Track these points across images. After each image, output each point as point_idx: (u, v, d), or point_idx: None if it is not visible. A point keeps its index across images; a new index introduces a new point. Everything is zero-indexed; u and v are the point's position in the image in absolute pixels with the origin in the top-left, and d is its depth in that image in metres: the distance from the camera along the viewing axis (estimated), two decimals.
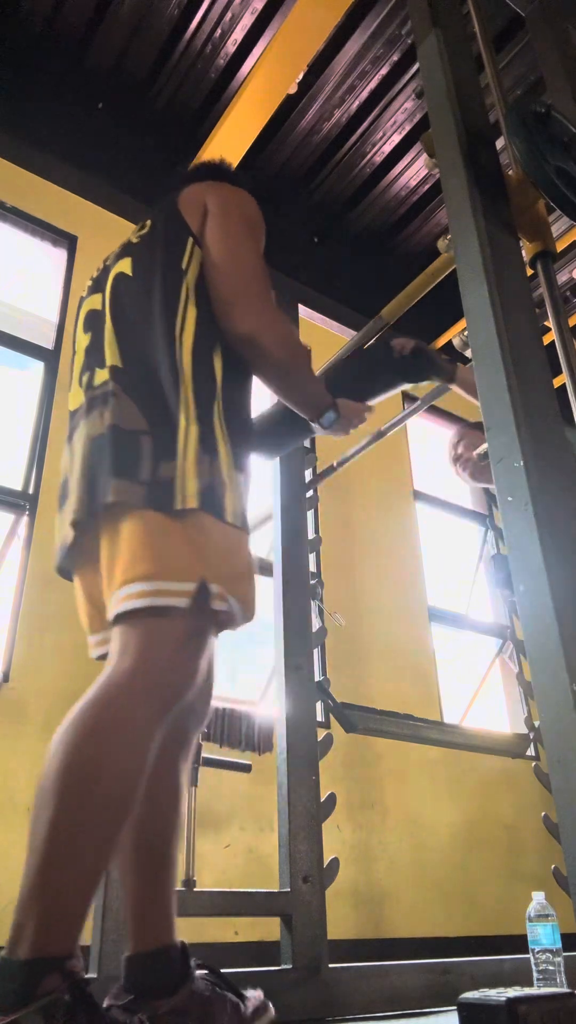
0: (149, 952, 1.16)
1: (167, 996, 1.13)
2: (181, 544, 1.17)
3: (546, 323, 1.36)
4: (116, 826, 1.04)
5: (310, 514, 2.51)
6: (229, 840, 2.98)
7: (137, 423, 1.23)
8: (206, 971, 1.21)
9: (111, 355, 1.31)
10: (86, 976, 0.98)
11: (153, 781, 1.17)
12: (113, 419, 1.24)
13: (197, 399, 1.25)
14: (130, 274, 1.37)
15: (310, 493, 2.51)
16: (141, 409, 1.24)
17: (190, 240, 1.35)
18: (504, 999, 1.20)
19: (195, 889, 1.75)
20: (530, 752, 3.02)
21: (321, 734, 2.10)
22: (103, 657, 1.33)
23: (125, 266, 1.39)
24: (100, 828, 1.01)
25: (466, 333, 1.27)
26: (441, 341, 3.91)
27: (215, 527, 1.21)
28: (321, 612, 2.39)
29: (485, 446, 1.15)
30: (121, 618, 1.14)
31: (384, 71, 3.78)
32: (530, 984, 1.78)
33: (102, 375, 1.30)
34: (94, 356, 1.35)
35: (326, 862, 1.94)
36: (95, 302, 1.41)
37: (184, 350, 1.27)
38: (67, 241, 3.73)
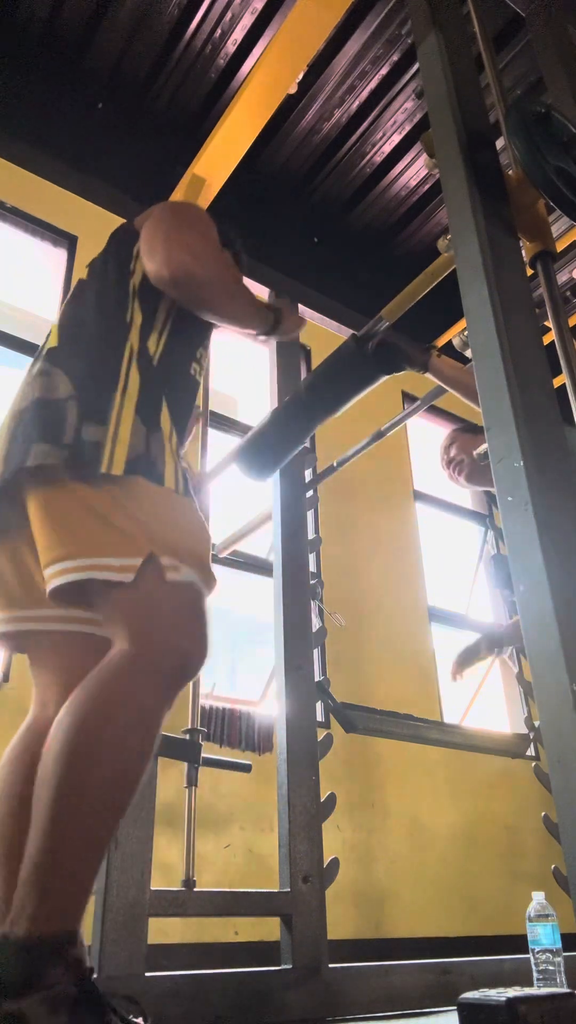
0: (41, 936, 1.03)
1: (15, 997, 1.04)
2: (116, 514, 1.15)
3: (546, 323, 1.36)
4: (120, 805, 1.04)
5: (310, 514, 2.51)
6: (229, 840, 2.98)
7: (64, 391, 1.24)
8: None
9: (51, 341, 1.37)
10: (91, 967, 0.98)
11: (104, 722, 1.14)
12: (40, 392, 1.25)
13: (142, 376, 1.29)
14: (85, 278, 1.49)
15: (310, 493, 2.51)
16: (71, 379, 1.26)
17: (137, 244, 1.45)
18: (504, 999, 1.20)
19: (195, 889, 1.75)
20: (530, 752, 3.02)
21: (321, 734, 2.10)
22: (12, 636, 1.32)
23: (83, 273, 1.51)
24: (103, 807, 1.01)
25: (466, 333, 1.27)
26: (441, 341, 3.90)
27: (154, 493, 1.19)
28: (321, 612, 2.39)
29: (484, 446, 1.15)
30: (96, 595, 1.13)
31: (384, 71, 3.78)
32: (530, 984, 1.78)
33: (39, 362, 1.35)
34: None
35: (326, 862, 1.94)
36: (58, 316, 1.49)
37: (133, 336, 1.34)
38: (67, 241, 3.73)
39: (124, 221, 1.60)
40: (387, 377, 1.76)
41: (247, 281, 1.70)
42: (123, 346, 1.32)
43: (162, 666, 1.11)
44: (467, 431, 2.37)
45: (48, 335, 1.42)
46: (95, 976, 1.49)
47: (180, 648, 1.13)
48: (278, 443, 1.82)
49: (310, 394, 1.75)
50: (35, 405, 1.23)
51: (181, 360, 1.44)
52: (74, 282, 1.53)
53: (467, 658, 2.35)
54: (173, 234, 1.39)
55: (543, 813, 2.38)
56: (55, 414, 1.21)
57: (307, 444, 2.52)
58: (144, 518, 1.17)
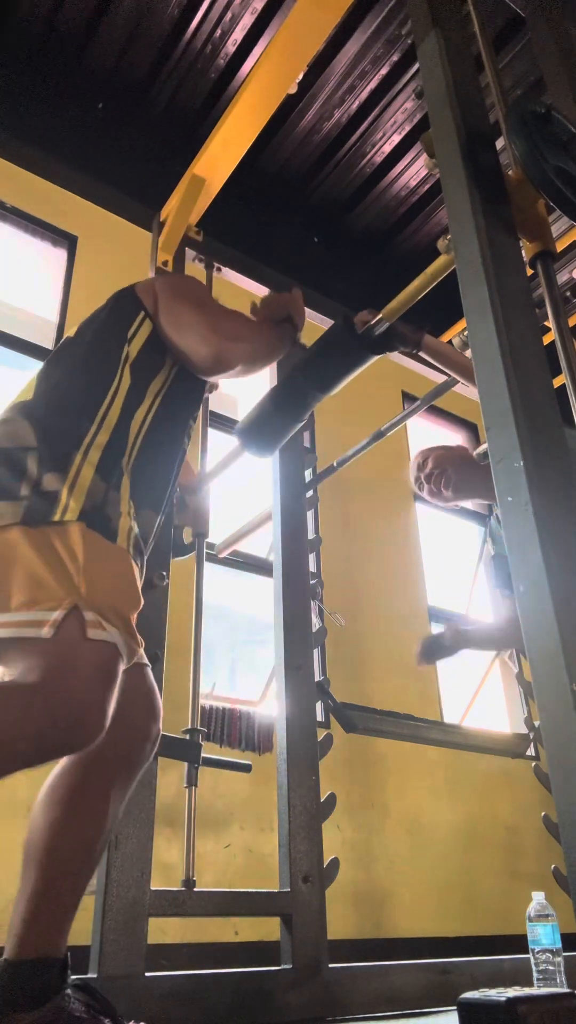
0: (24, 961, 1.10)
1: (29, 1010, 1.08)
2: (54, 564, 1.13)
3: (546, 323, 1.36)
4: None
5: (310, 514, 2.51)
6: (229, 840, 2.98)
7: (24, 440, 1.24)
8: (85, 991, 1.16)
9: (24, 394, 1.37)
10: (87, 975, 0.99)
11: (79, 794, 1.18)
12: (1, 441, 1.25)
13: (112, 438, 1.30)
14: (72, 336, 1.50)
15: (310, 493, 2.51)
16: (35, 430, 1.26)
17: (142, 314, 1.48)
18: (504, 999, 1.20)
19: (195, 889, 1.75)
20: (530, 752, 3.02)
21: (321, 734, 2.10)
22: None
23: (71, 331, 1.52)
24: None
25: (466, 333, 1.27)
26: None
27: (101, 546, 1.18)
28: (321, 612, 2.39)
29: (484, 446, 1.15)
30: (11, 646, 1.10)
31: (384, 71, 3.78)
32: (530, 984, 1.78)
33: (7, 411, 1.34)
34: None
35: (326, 862, 1.94)
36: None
37: (116, 402, 1.35)
38: (67, 241, 3.73)
39: (130, 284, 1.59)
40: (378, 357, 1.76)
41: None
42: (97, 411, 1.32)
43: (53, 715, 1.05)
44: (430, 448, 2.35)
45: (25, 387, 1.42)
46: (94, 976, 1.50)
47: (78, 709, 1.07)
48: (277, 421, 1.83)
49: (304, 374, 1.75)
50: None
51: (170, 434, 1.48)
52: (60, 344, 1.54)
53: (432, 651, 2.31)
54: (206, 329, 1.45)
55: (543, 813, 2.38)
56: (14, 467, 1.21)
57: (307, 444, 2.52)
58: (82, 568, 1.14)
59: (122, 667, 1.15)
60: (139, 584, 1.28)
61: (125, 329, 1.46)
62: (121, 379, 1.39)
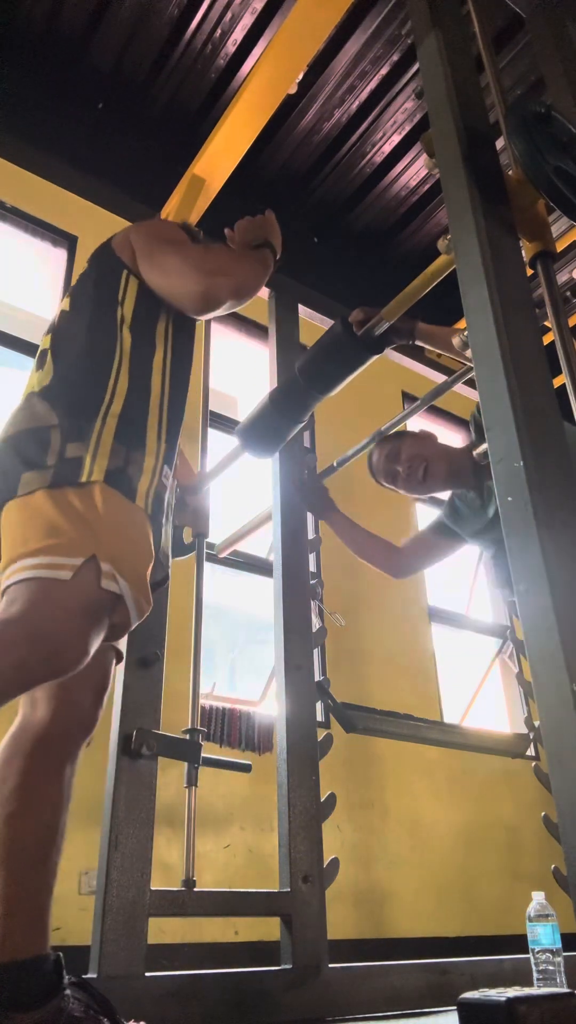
0: (11, 963, 1.09)
1: (28, 1010, 1.07)
2: (74, 518, 1.19)
3: (546, 323, 1.36)
4: None
5: (310, 514, 2.50)
6: (229, 840, 2.98)
7: (47, 420, 1.30)
8: (84, 991, 1.16)
9: (45, 380, 1.40)
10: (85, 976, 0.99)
11: (31, 784, 1.18)
12: (23, 423, 1.31)
13: (126, 404, 1.34)
14: (68, 309, 1.53)
15: None
16: (55, 409, 1.31)
17: (125, 272, 1.50)
18: (504, 999, 1.20)
19: (195, 889, 1.75)
20: (530, 752, 3.02)
21: (321, 734, 2.10)
22: None
23: (65, 304, 1.54)
24: None
25: (466, 333, 1.27)
26: None
27: (120, 504, 1.24)
28: (321, 612, 2.39)
29: (484, 446, 1.15)
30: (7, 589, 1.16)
31: (384, 71, 3.78)
32: (530, 984, 1.78)
33: (28, 392, 1.40)
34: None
35: (326, 862, 1.93)
36: (45, 342, 1.51)
37: (123, 370, 1.38)
38: (67, 241, 3.73)
39: (105, 240, 1.63)
40: (376, 357, 1.77)
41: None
42: (107, 382, 1.36)
43: (35, 641, 1.11)
44: (396, 438, 2.27)
45: (39, 365, 1.46)
46: (95, 976, 1.50)
47: (57, 636, 1.13)
48: (277, 422, 1.84)
49: (304, 376, 1.76)
50: (19, 433, 1.30)
51: (181, 374, 1.51)
52: (57, 315, 1.55)
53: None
54: (190, 269, 1.45)
55: (543, 813, 2.38)
56: (38, 440, 1.27)
57: (307, 444, 2.51)
58: (103, 524, 1.21)
59: (134, 623, 1.23)
60: (150, 543, 1.30)
61: (114, 293, 1.47)
62: (122, 345, 1.41)
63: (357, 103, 3.95)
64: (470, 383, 1.98)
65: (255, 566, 3.58)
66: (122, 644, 1.41)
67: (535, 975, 1.78)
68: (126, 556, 1.21)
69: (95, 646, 1.17)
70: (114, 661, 1.38)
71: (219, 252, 1.59)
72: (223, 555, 2.74)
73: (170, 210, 2.54)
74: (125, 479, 1.26)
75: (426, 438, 2.30)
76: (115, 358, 1.39)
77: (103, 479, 1.23)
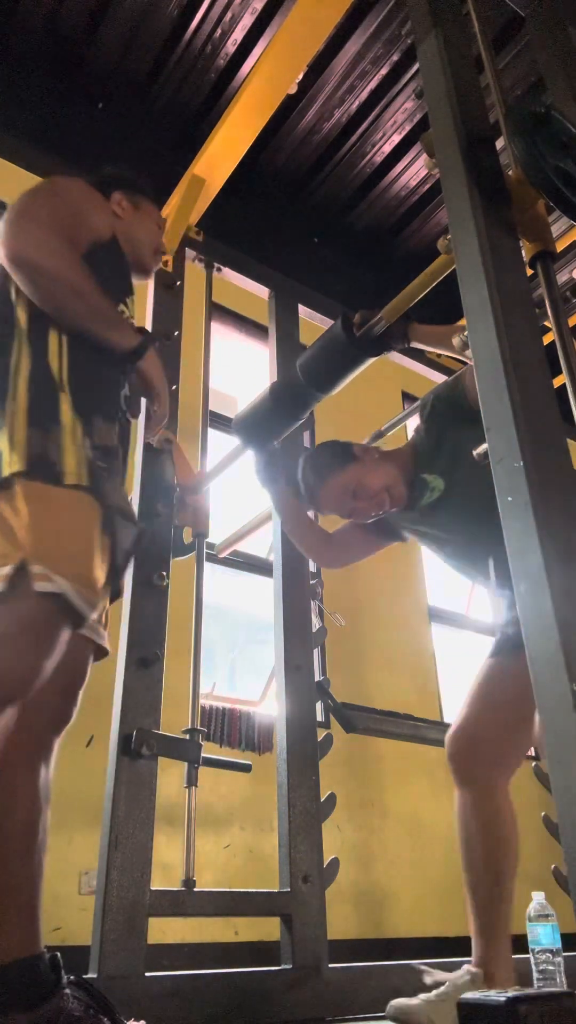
0: (10, 963, 1.10)
1: (27, 1010, 1.07)
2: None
3: (546, 323, 1.36)
4: None
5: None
6: (229, 840, 2.98)
7: None
8: (83, 990, 1.16)
9: None
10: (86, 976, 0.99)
11: (3, 785, 1.16)
12: None
13: (32, 378, 1.26)
14: None
15: None
16: None
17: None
18: (504, 999, 1.20)
19: (195, 889, 1.75)
20: (530, 752, 3.02)
21: (321, 734, 2.10)
22: None
23: None
24: None
25: (466, 333, 1.27)
26: None
27: (42, 495, 1.18)
28: (321, 612, 2.39)
29: (484, 446, 1.15)
30: None
31: (384, 71, 3.78)
32: (530, 984, 1.78)
33: None
34: None
35: (326, 862, 1.94)
36: None
37: (23, 349, 1.29)
38: None
39: None
40: (375, 359, 1.77)
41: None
42: (8, 357, 1.30)
43: None
44: (348, 470, 1.90)
45: None
46: (95, 976, 1.50)
47: (12, 664, 1.09)
48: (275, 418, 1.83)
49: (303, 374, 1.76)
50: None
51: (86, 360, 1.36)
52: None
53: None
54: (14, 216, 1.31)
55: (543, 813, 2.38)
56: None
57: (307, 444, 2.51)
58: (25, 524, 1.15)
59: (89, 615, 1.16)
60: (89, 521, 1.21)
61: (7, 297, 1.37)
62: (18, 323, 1.32)
63: (357, 103, 3.94)
64: None
65: (255, 566, 3.58)
66: (106, 637, 1.36)
67: (535, 975, 1.78)
68: (58, 549, 1.15)
69: (49, 658, 1.12)
70: (91, 655, 1.33)
71: (68, 247, 1.34)
72: (223, 555, 2.74)
73: (170, 210, 2.54)
74: (46, 464, 1.19)
75: (369, 464, 1.95)
76: (13, 339, 1.32)
77: (24, 469, 1.17)
